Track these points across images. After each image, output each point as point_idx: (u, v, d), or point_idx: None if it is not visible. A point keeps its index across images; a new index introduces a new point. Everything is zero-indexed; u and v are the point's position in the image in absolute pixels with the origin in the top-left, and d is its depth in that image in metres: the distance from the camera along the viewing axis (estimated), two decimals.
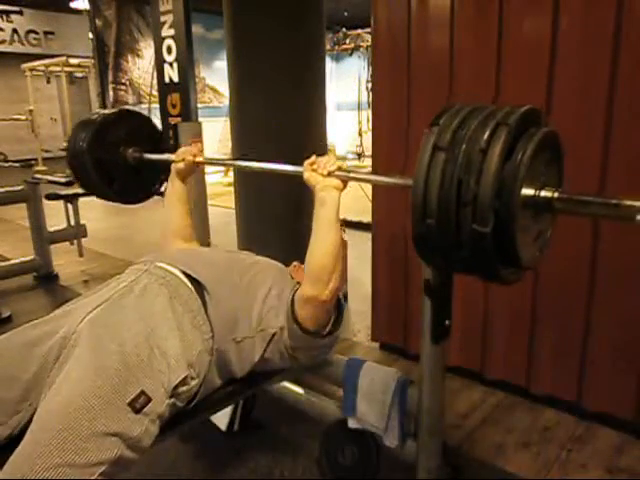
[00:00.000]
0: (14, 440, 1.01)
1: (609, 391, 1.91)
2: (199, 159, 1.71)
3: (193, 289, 1.26)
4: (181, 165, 1.69)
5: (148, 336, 1.12)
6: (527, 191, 0.90)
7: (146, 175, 2.00)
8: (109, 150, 1.90)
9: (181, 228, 1.72)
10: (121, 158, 1.93)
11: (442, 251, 0.96)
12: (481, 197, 0.86)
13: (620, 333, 1.85)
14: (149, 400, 1.06)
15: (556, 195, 0.92)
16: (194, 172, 1.76)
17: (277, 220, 2.94)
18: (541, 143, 0.90)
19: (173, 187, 1.74)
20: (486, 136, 0.87)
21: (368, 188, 2.62)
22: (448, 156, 0.91)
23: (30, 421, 1.03)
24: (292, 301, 1.31)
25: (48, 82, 10.75)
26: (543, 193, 0.92)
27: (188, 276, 1.29)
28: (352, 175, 1.33)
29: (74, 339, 1.12)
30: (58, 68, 10.18)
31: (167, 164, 1.78)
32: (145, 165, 1.94)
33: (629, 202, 0.84)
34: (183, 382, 1.14)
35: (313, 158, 1.35)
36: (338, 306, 1.39)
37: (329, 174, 1.29)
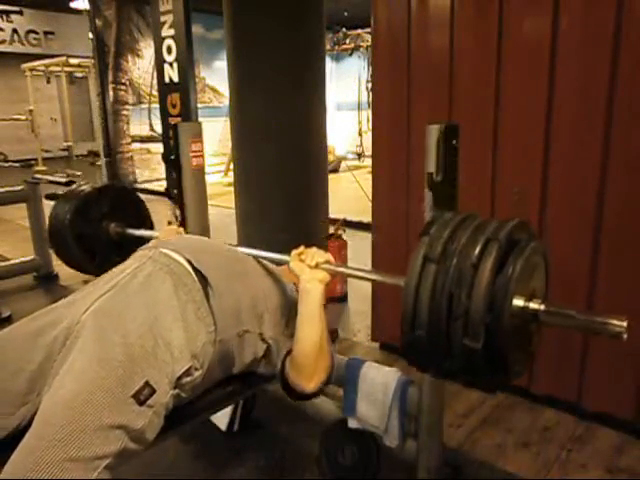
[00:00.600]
0: (22, 431, 1.01)
1: (609, 391, 1.91)
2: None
3: (197, 279, 1.25)
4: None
5: (152, 326, 1.12)
6: (517, 302, 0.89)
7: (129, 249, 1.99)
8: (91, 225, 1.90)
9: None
10: (103, 233, 1.92)
11: (432, 362, 0.97)
12: (472, 312, 0.86)
13: None
14: (153, 391, 1.06)
15: (542, 308, 0.93)
16: None
17: (277, 220, 2.94)
18: (530, 257, 0.91)
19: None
20: (477, 251, 0.88)
21: (368, 188, 2.62)
22: (439, 268, 0.91)
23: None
24: (283, 364, 1.30)
25: (48, 82, 10.76)
26: (531, 305, 0.92)
27: (192, 266, 1.28)
28: (340, 269, 1.33)
29: (77, 329, 1.12)
30: (58, 68, 10.19)
31: (149, 240, 1.77)
32: (127, 240, 1.92)
33: (616, 322, 0.85)
34: (187, 373, 1.14)
35: (301, 249, 1.33)
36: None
37: (316, 265, 1.28)
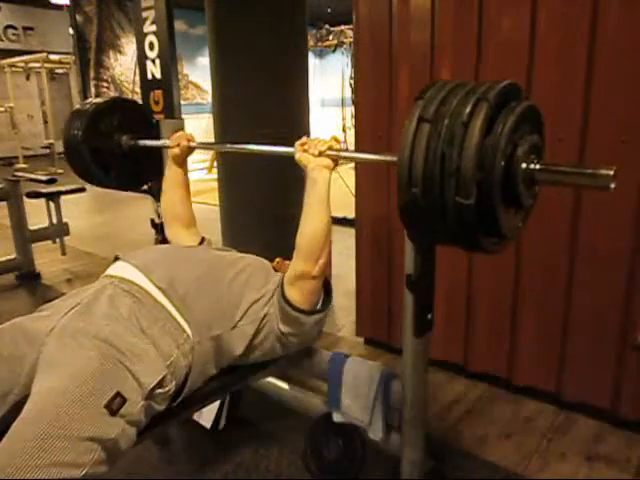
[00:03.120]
0: None
1: (587, 381, 1.95)
2: (193, 144, 1.77)
3: (160, 295, 1.25)
4: (177, 150, 1.74)
5: (120, 340, 1.12)
6: (509, 163, 0.93)
7: (142, 161, 2.04)
8: (104, 138, 1.94)
9: (181, 213, 1.75)
10: (116, 145, 1.96)
11: (426, 221, 0.99)
12: (463, 169, 0.89)
13: (597, 326, 1.89)
14: (124, 401, 1.05)
15: (538, 167, 0.96)
16: (189, 156, 1.81)
17: (261, 216, 2.95)
18: (521, 116, 0.93)
19: (170, 172, 1.77)
20: (467, 110, 0.91)
21: (352, 184, 2.63)
22: (432, 128, 0.94)
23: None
24: (282, 283, 1.36)
25: (28, 79, 10.59)
26: (524, 165, 0.95)
27: (155, 284, 1.27)
28: (342, 154, 1.37)
29: (47, 344, 1.12)
30: (38, 64, 10.03)
31: (161, 150, 1.88)
32: (140, 151, 1.99)
33: (604, 171, 0.89)
34: (160, 384, 1.13)
35: (304, 139, 1.37)
36: (326, 285, 1.43)
37: (320, 154, 1.32)
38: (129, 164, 2.02)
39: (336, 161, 1.35)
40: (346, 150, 1.41)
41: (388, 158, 1.25)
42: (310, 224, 1.32)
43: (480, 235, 0.95)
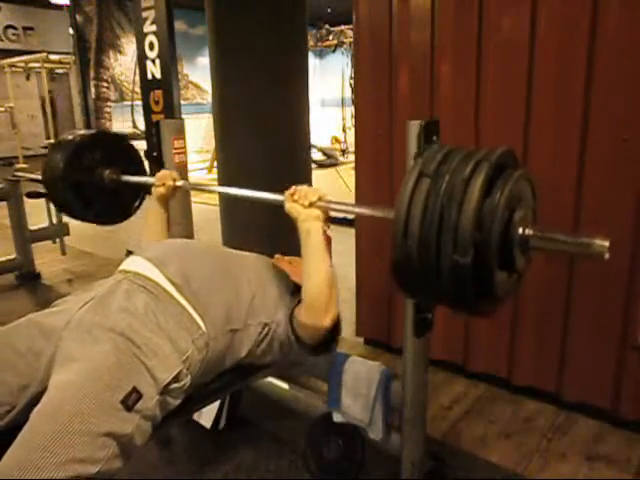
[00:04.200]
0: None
1: (587, 381, 1.95)
2: (179, 183, 1.71)
3: (175, 291, 1.25)
4: (162, 190, 1.69)
5: (136, 335, 1.12)
6: (506, 227, 0.92)
7: (124, 195, 1.98)
8: (86, 172, 1.88)
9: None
10: (98, 180, 1.91)
11: (421, 278, 0.98)
12: (461, 226, 0.88)
13: (597, 326, 1.89)
14: (140, 397, 1.05)
15: (531, 232, 0.95)
16: (174, 196, 1.75)
17: (261, 217, 2.94)
18: (518, 180, 0.94)
19: (153, 210, 1.72)
20: (469, 169, 0.91)
21: (352, 184, 2.63)
22: (432, 183, 0.94)
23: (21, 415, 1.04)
24: (291, 320, 1.33)
25: (28, 79, 10.59)
26: (520, 230, 0.95)
27: (168, 279, 1.28)
28: (333, 205, 1.33)
29: (64, 339, 1.12)
30: (38, 64, 10.03)
31: (146, 186, 1.79)
32: (123, 186, 1.92)
33: (599, 242, 0.89)
34: (175, 379, 1.14)
35: (293, 189, 1.34)
36: (336, 325, 1.37)
37: (310, 205, 1.29)
38: (111, 199, 1.95)
39: (327, 212, 1.31)
40: (338, 202, 1.36)
41: (384, 213, 1.20)
42: (312, 278, 1.28)
43: (474, 296, 0.95)
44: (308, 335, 1.31)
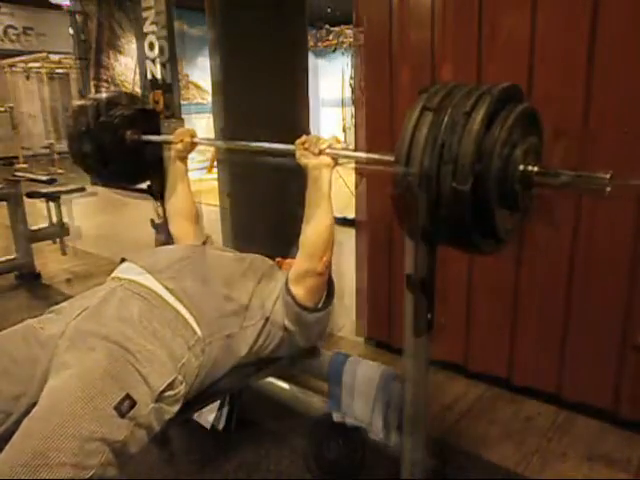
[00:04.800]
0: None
1: (588, 381, 1.95)
2: (196, 139, 1.78)
3: (169, 296, 1.25)
4: (180, 146, 1.75)
5: (130, 342, 1.12)
6: (507, 159, 0.93)
7: (141, 158, 2.03)
8: (107, 132, 1.95)
9: (185, 209, 1.76)
10: (119, 140, 1.96)
11: (420, 210, 0.98)
12: (461, 157, 0.89)
13: (597, 325, 1.89)
14: (134, 404, 1.05)
15: (535, 169, 0.95)
16: (192, 152, 1.82)
17: (261, 217, 2.94)
18: (521, 115, 0.94)
19: (174, 167, 1.78)
20: (471, 102, 0.92)
21: (352, 185, 2.63)
22: (435, 117, 0.95)
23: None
24: (286, 280, 1.37)
25: (28, 79, 10.58)
26: (522, 166, 0.95)
27: (163, 285, 1.28)
28: (342, 152, 1.38)
29: (59, 347, 1.12)
30: (38, 65, 10.03)
31: (162, 150, 1.89)
32: (141, 148, 1.99)
33: (600, 175, 0.89)
34: (170, 386, 1.13)
35: (304, 137, 1.37)
36: (329, 284, 1.45)
37: (320, 152, 1.32)
38: (129, 159, 2.01)
39: (336, 160, 1.35)
40: (346, 149, 1.40)
41: (387, 157, 1.24)
42: (313, 222, 1.34)
43: (475, 233, 0.95)
44: (302, 288, 1.34)
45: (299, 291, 1.35)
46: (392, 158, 1.08)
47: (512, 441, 1.89)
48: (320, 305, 1.41)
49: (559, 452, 1.82)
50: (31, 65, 10.29)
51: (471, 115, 0.90)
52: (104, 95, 2.07)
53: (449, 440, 1.91)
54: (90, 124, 1.92)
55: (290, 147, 1.40)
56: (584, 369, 1.95)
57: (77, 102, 2.13)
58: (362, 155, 1.36)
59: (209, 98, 8.54)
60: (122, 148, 1.97)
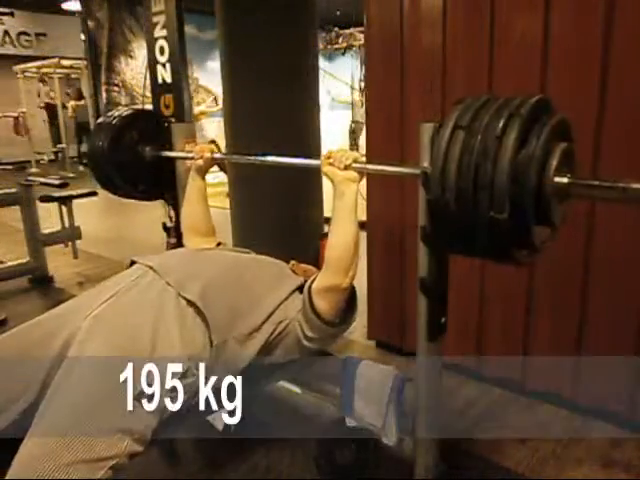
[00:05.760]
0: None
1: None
2: (217, 155, 1.78)
3: (178, 297, 1.26)
4: (200, 162, 1.75)
5: (152, 330, 1.14)
6: (542, 177, 0.92)
7: (160, 171, 2.07)
8: (127, 151, 1.96)
9: (202, 225, 1.77)
10: (139, 157, 1.98)
11: (458, 233, 0.99)
12: (497, 183, 0.89)
13: (613, 330, 1.86)
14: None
15: (570, 181, 0.95)
16: (211, 167, 1.82)
17: (271, 219, 2.94)
18: (554, 129, 0.94)
19: (194, 183, 1.79)
20: (501, 125, 0.91)
21: (363, 187, 2.62)
22: (467, 137, 0.94)
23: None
24: (309, 293, 1.36)
25: (42, 83, 10.69)
26: (557, 179, 0.94)
27: (171, 285, 1.29)
28: (368, 167, 1.39)
29: (80, 335, 1.13)
30: (51, 70, 10.12)
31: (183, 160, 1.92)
32: (159, 161, 2.01)
33: (636, 185, 0.88)
34: (184, 375, 1.15)
35: (328, 152, 1.38)
36: (351, 295, 1.45)
37: (346, 167, 1.33)
38: (151, 175, 2.03)
39: (362, 174, 1.36)
40: (372, 163, 1.41)
41: (416, 170, 1.22)
42: (340, 236, 1.33)
43: (513, 249, 0.95)
44: (326, 304, 1.34)
45: (323, 306, 1.35)
46: (417, 171, 1.08)
47: (526, 446, 1.86)
48: (341, 319, 1.41)
49: (575, 458, 1.79)
50: (44, 70, 10.39)
51: (502, 140, 0.90)
52: (120, 113, 2.05)
53: (462, 445, 1.88)
54: (109, 147, 1.92)
55: (315, 162, 1.41)
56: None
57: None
58: (389, 168, 1.36)
59: (219, 101, 8.58)
60: (143, 165, 1.99)
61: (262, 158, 1.80)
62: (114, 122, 1.96)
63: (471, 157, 0.92)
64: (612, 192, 0.94)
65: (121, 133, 1.95)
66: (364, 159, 1.39)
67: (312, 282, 1.38)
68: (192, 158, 1.80)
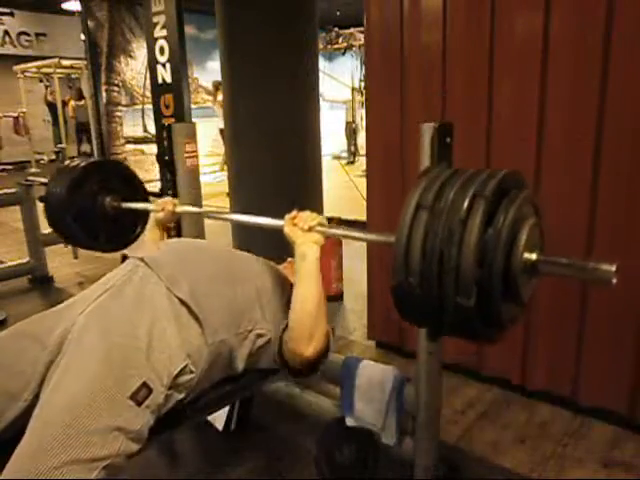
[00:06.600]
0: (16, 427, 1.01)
1: (604, 386, 1.92)
2: (178, 209, 1.71)
3: (169, 293, 1.24)
4: (161, 215, 1.69)
5: (149, 326, 1.13)
6: (510, 255, 0.88)
7: (125, 224, 1.97)
8: (87, 201, 1.87)
9: None
10: (99, 208, 1.89)
11: (422, 312, 0.95)
12: (463, 268, 0.85)
13: (614, 330, 1.86)
14: (150, 392, 1.06)
15: (540, 258, 0.91)
16: (173, 221, 1.77)
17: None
18: (520, 207, 0.89)
19: (149, 235, 1.74)
20: (465, 207, 0.87)
21: (363, 188, 2.63)
22: (430, 218, 0.90)
23: (24, 416, 1.04)
24: (280, 342, 1.30)
25: (44, 83, 10.69)
26: (526, 255, 0.90)
27: (163, 281, 1.26)
28: (332, 231, 1.33)
29: (74, 331, 1.13)
30: (50, 70, 10.12)
31: (145, 212, 1.81)
32: (123, 213, 1.91)
33: (605, 267, 0.85)
34: (182, 372, 1.14)
35: (294, 213, 1.33)
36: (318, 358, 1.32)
37: (310, 229, 1.28)
38: (114, 225, 1.94)
39: (325, 237, 1.31)
40: (337, 227, 1.34)
41: (384, 238, 1.18)
42: (300, 300, 1.26)
43: (481, 329, 0.92)
44: (289, 358, 1.28)
45: (287, 358, 1.29)
46: (390, 239, 1.04)
47: (526, 446, 1.87)
48: (308, 371, 1.32)
49: (575, 458, 1.79)
50: (44, 70, 10.39)
51: (467, 223, 0.86)
52: (78, 163, 1.94)
53: (462, 445, 1.89)
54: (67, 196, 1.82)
55: (279, 222, 1.35)
56: (600, 373, 1.92)
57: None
58: (355, 234, 1.30)
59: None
60: (104, 216, 1.90)
61: (229, 217, 1.87)
62: (72, 172, 1.87)
63: (435, 240, 0.88)
64: (582, 272, 0.91)
65: (80, 183, 1.85)
66: (326, 222, 1.32)
67: (285, 329, 1.30)
68: (152, 211, 1.73)
